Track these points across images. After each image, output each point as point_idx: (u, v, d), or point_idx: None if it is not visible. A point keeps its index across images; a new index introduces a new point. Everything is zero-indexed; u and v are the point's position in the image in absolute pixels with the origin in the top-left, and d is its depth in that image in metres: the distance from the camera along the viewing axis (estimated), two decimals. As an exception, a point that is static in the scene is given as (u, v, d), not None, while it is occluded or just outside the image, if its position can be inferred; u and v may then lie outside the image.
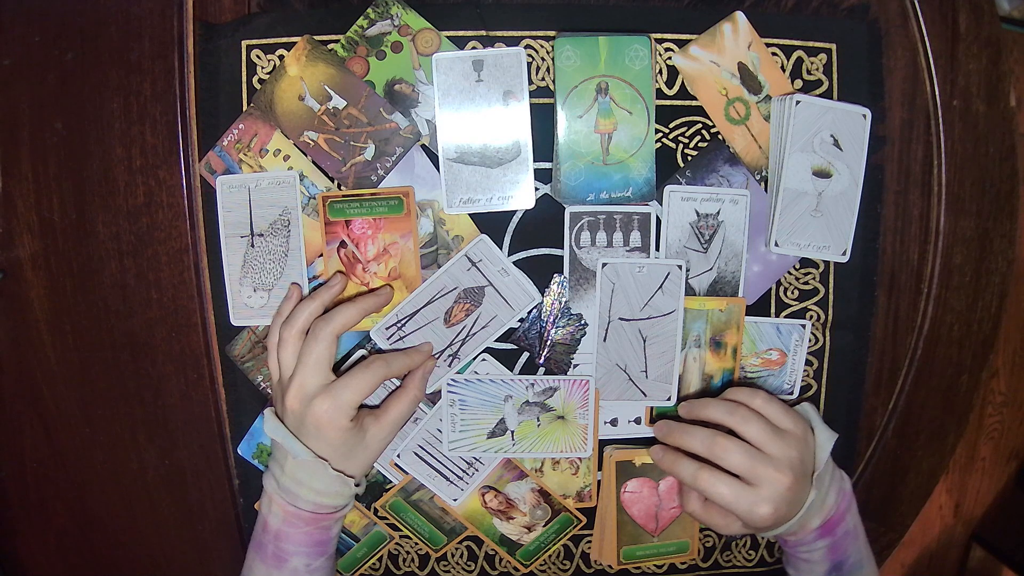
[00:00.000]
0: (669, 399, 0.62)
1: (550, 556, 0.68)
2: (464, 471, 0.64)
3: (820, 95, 0.61)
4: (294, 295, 0.57)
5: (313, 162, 0.59)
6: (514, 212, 0.60)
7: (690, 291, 0.61)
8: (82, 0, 0.59)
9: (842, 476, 0.59)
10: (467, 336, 0.60)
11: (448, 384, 0.61)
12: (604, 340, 0.61)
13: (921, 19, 0.62)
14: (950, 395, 0.69)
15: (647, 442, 0.65)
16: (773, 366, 0.64)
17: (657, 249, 0.61)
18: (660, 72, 0.60)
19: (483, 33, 0.58)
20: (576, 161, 0.59)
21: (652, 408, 0.64)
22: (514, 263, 0.60)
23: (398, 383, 0.60)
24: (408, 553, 0.68)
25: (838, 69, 0.61)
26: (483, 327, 0.60)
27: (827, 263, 0.64)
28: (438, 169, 0.59)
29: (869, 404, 0.68)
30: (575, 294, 0.61)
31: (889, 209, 0.64)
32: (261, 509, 0.57)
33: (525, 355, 0.63)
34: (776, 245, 0.61)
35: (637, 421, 0.65)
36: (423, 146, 0.59)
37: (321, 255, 0.60)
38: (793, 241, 0.61)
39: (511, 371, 0.62)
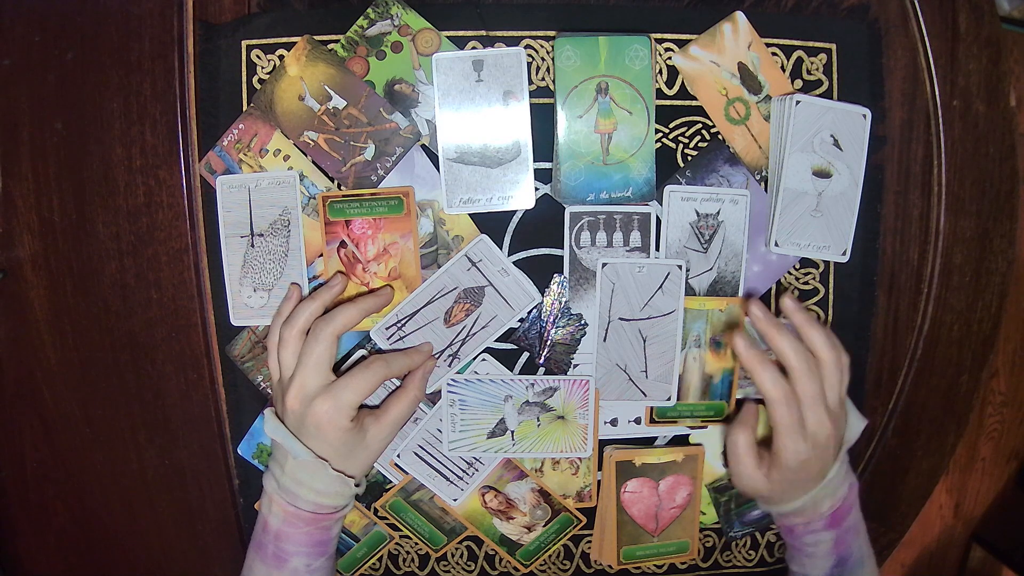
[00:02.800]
0: (669, 399, 0.62)
1: (550, 556, 0.68)
2: (464, 471, 0.64)
3: (820, 95, 0.61)
4: (294, 295, 0.57)
5: (313, 162, 0.59)
6: (514, 212, 0.60)
7: (690, 291, 0.61)
8: (82, 0, 0.59)
9: (850, 471, 0.59)
10: (467, 336, 0.60)
11: (448, 384, 0.61)
12: (604, 340, 0.61)
13: (921, 19, 0.62)
14: (950, 395, 0.69)
15: (647, 442, 0.65)
16: (773, 366, 0.64)
17: (657, 249, 0.61)
18: (660, 72, 0.60)
19: (483, 33, 0.58)
20: (576, 161, 0.59)
21: (652, 408, 0.64)
22: (514, 263, 0.60)
23: (398, 383, 0.60)
24: (408, 553, 0.68)
25: (838, 69, 0.61)
26: (483, 327, 0.60)
27: (827, 263, 0.64)
28: (438, 169, 0.59)
29: (869, 404, 0.68)
30: (575, 294, 0.61)
31: (889, 209, 0.64)
32: (261, 509, 0.57)
33: (525, 355, 0.63)
34: (776, 245, 0.61)
35: (637, 421, 0.65)
36: (423, 146, 0.59)
37: (321, 255, 0.60)
38: (793, 241, 0.61)
39: (511, 371, 0.62)
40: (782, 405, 0.52)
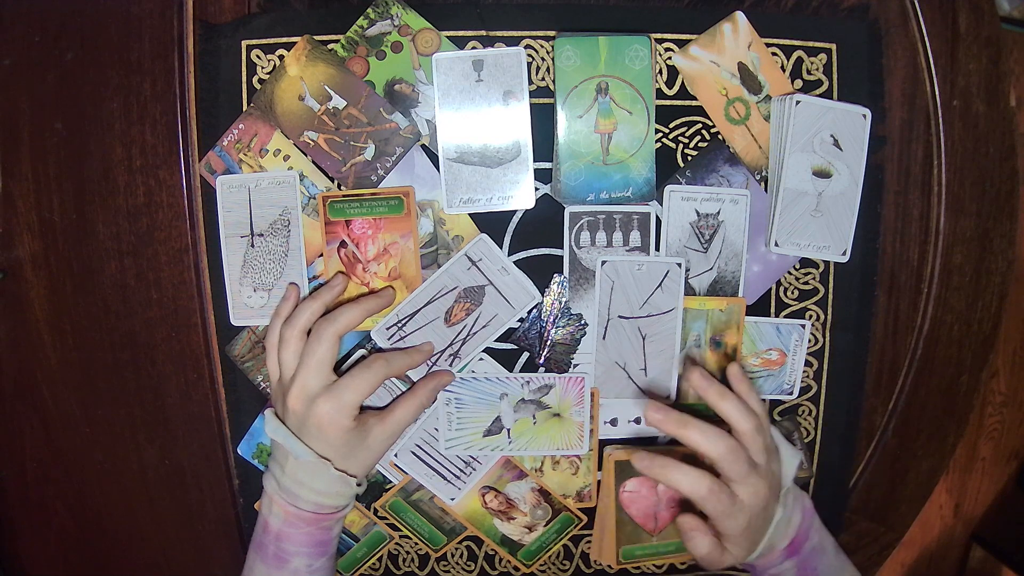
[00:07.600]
0: (668, 397, 0.62)
1: (550, 556, 0.68)
2: (462, 470, 0.64)
3: (820, 95, 0.61)
4: (292, 296, 0.57)
5: (313, 162, 0.59)
6: (514, 212, 0.60)
7: (690, 291, 0.61)
8: (82, 0, 0.59)
9: (801, 494, 0.59)
10: (467, 336, 0.60)
11: (448, 384, 0.61)
12: (603, 338, 0.61)
13: (921, 19, 0.62)
14: (950, 395, 0.69)
15: (646, 442, 0.65)
16: (773, 366, 0.64)
17: (657, 249, 0.61)
18: (660, 72, 0.60)
19: (483, 33, 0.58)
20: (576, 161, 0.59)
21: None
22: (514, 263, 0.60)
23: (399, 383, 0.60)
24: (408, 553, 0.68)
25: (838, 69, 0.61)
26: (483, 327, 0.60)
27: (827, 263, 0.64)
28: (438, 169, 0.59)
29: (869, 404, 0.68)
30: (575, 294, 0.61)
31: (889, 209, 0.64)
32: (262, 510, 0.57)
33: (525, 355, 0.63)
34: (776, 245, 0.61)
35: (637, 421, 0.65)
36: (423, 146, 0.59)
37: (321, 255, 0.60)
38: (793, 241, 0.61)
39: (510, 371, 0.62)
40: (709, 499, 0.51)
